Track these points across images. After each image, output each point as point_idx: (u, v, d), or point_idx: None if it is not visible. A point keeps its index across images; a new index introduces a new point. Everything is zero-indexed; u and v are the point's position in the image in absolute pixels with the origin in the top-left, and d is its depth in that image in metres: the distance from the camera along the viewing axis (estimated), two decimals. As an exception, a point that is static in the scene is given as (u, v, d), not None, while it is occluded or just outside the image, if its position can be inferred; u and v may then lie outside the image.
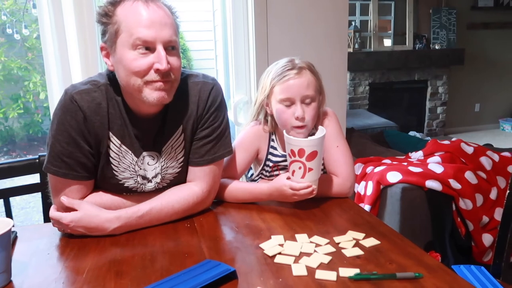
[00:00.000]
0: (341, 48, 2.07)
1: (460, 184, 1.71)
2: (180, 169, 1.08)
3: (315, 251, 0.87)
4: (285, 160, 1.13)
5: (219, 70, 3.22)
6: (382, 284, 0.75)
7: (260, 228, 1.00)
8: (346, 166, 1.16)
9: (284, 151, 1.19)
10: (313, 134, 1.16)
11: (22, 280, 0.81)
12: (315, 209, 1.09)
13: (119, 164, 1.02)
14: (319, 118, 1.20)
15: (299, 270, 0.80)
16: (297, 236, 0.94)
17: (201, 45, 5.48)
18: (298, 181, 1.05)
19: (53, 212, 0.97)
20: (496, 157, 1.85)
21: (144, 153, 1.03)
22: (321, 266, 0.82)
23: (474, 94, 5.33)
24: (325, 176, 1.17)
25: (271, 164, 1.22)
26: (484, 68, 5.24)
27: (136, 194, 1.06)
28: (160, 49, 0.91)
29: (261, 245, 0.90)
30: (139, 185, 1.05)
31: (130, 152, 1.02)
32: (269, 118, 1.20)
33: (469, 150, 1.86)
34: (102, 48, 0.97)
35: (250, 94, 1.98)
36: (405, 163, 1.85)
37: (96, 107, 0.96)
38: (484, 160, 1.82)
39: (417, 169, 1.75)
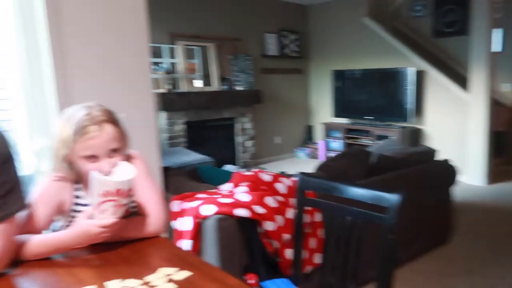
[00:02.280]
0: (146, 89, 2.14)
1: (264, 208, 1.95)
2: None
3: (128, 295, 0.87)
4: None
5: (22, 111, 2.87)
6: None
7: (68, 283, 0.93)
8: (156, 205, 1.20)
9: None
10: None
11: None
12: (127, 252, 1.09)
13: None
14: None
15: (111, 318, 0.79)
16: (109, 283, 0.92)
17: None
18: (107, 218, 1.04)
19: None
20: (288, 182, 2.19)
21: None
22: (135, 308, 0.82)
23: (274, 128, 6.17)
24: (137, 218, 1.18)
25: (79, 210, 1.16)
26: (278, 106, 6.15)
27: None
28: None
29: (69, 302, 0.85)
30: None
31: None
32: (71, 169, 1.14)
33: (267, 178, 2.15)
34: None
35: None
36: (216, 196, 2.01)
37: None
38: (279, 186, 2.14)
39: (228, 200, 1.92)
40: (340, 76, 5.90)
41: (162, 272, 0.97)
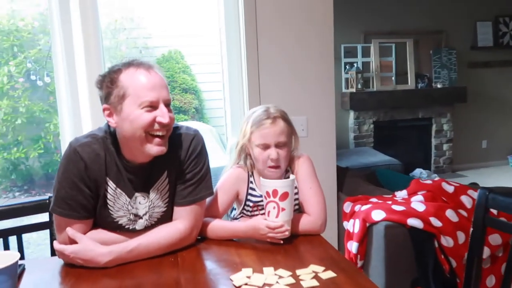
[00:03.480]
0: (328, 92, 2.23)
1: (441, 222, 1.79)
2: (166, 208, 1.23)
3: (277, 282, 0.99)
4: (263, 201, 1.27)
5: (227, 110, 3.43)
6: (328, 311, 0.86)
7: (235, 262, 1.12)
8: (317, 206, 1.29)
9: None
10: (287, 177, 1.31)
11: (25, 306, 0.96)
12: (286, 245, 1.22)
13: (114, 204, 1.18)
14: (293, 161, 1.35)
15: (259, 298, 0.92)
16: (265, 269, 1.06)
17: (212, 86, 5.75)
18: (273, 220, 1.19)
19: (56, 245, 1.13)
20: (476, 196, 1.93)
21: (136, 194, 1.19)
22: (279, 295, 0.94)
23: (480, 130, 5.39)
24: (299, 215, 1.30)
25: (251, 204, 1.36)
26: (487, 105, 5.33)
27: (128, 231, 1.21)
28: (162, 106, 1.11)
29: (231, 277, 1.02)
30: (131, 222, 1.21)
31: (124, 193, 1.18)
32: (248, 161, 1.35)
33: (450, 189, 1.95)
34: (105, 109, 1.15)
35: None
36: (390, 202, 1.95)
37: (95, 157, 1.13)
38: (464, 199, 1.91)
39: (400, 208, 1.85)
40: None
41: (311, 269, 1.05)
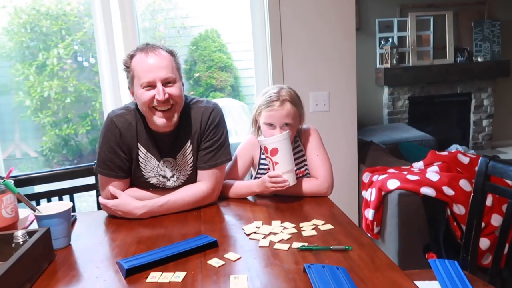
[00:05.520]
0: (349, 67, 2.32)
1: (454, 191, 1.87)
2: (191, 171, 1.42)
3: (281, 231, 1.16)
4: None
5: (255, 87, 3.59)
6: (320, 253, 1.02)
7: (248, 216, 1.30)
8: (323, 170, 1.44)
9: None
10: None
11: (77, 244, 1.19)
12: (294, 204, 1.38)
13: (146, 167, 1.38)
14: (301, 133, 1.50)
15: (263, 242, 1.09)
16: (272, 221, 1.23)
17: (246, 64, 5.88)
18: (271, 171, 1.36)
19: (101, 199, 1.36)
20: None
21: (164, 159, 1.39)
22: (281, 241, 1.10)
23: (524, 106, 5.19)
24: (307, 178, 1.45)
25: (266, 167, 1.52)
26: (533, 80, 5.10)
27: (160, 190, 1.42)
28: (158, 85, 1.27)
29: (243, 227, 1.20)
30: (160, 182, 1.41)
31: (154, 157, 1.38)
32: (259, 130, 1.50)
33: (465, 160, 2.01)
34: (128, 88, 1.36)
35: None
36: (405, 172, 2.05)
37: (128, 126, 1.34)
38: (479, 169, 1.97)
39: (414, 177, 1.94)
40: None
41: (313, 222, 1.21)
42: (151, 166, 1.39)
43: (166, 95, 1.27)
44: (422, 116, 4.98)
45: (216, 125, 1.40)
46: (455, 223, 1.90)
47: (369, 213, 2.07)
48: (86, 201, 3.97)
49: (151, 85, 1.28)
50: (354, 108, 2.37)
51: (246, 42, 5.27)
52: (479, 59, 4.82)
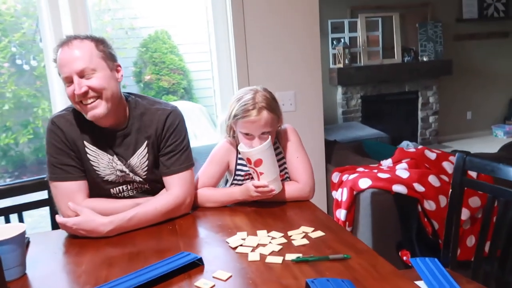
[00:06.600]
0: (314, 67, 2.28)
1: (424, 187, 1.89)
2: (145, 175, 1.32)
3: (270, 242, 1.07)
4: None
5: (216, 90, 3.47)
6: (318, 264, 0.94)
7: (229, 226, 1.19)
8: (305, 173, 1.36)
9: None
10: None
11: (34, 273, 1.02)
12: (276, 209, 1.30)
13: (99, 164, 1.28)
14: (279, 133, 1.41)
15: (253, 256, 0.99)
16: (258, 232, 1.13)
17: (200, 66, 5.74)
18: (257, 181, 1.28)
19: (59, 218, 1.19)
20: (458, 161, 2.02)
21: (117, 155, 1.29)
22: (272, 253, 1.01)
23: (465, 102, 5.50)
24: (287, 182, 1.37)
25: (242, 173, 1.42)
26: (472, 77, 5.43)
27: (124, 197, 1.31)
28: (75, 79, 1.17)
29: (227, 240, 1.10)
30: (119, 177, 1.30)
31: (105, 153, 1.28)
32: (235, 135, 1.39)
33: (432, 156, 2.04)
34: None
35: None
36: (376, 170, 2.04)
37: (70, 125, 1.26)
38: (446, 165, 2.00)
39: (385, 175, 1.94)
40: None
41: (302, 230, 1.13)
42: (105, 162, 1.28)
43: (83, 88, 1.17)
44: (374, 114, 5.11)
45: (175, 128, 1.31)
46: (426, 219, 1.92)
47: (341, 214, 2.04)
48: (30, 216, 3.64)
49: (70, 80, 1.18)
50: (320, 108, 2.34)
51: (201, 43, 5.14)
52: (424, 59, 5.04)
